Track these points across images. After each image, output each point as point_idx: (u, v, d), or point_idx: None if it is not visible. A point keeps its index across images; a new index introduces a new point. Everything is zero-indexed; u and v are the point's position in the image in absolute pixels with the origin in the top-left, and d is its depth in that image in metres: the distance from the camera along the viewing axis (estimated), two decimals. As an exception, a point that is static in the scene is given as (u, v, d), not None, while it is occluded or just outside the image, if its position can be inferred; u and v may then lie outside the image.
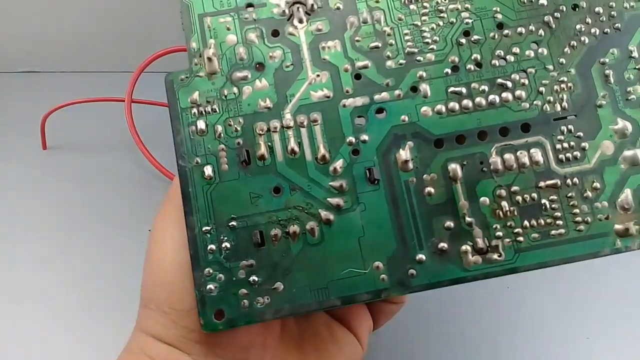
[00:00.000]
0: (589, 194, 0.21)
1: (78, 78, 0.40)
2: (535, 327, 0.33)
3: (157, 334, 0.21)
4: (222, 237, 0.21)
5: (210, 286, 0.21)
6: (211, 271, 0.21)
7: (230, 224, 0.21)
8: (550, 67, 0.22)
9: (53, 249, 0.36)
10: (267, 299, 0.21)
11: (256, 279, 0.21)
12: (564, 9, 0.23)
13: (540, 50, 0.22)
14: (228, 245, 0.21)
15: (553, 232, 0.21)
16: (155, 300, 0.21)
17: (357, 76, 0.22)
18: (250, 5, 0.23)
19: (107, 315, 0.33)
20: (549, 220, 0.21)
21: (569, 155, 0.21)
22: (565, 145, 0.22)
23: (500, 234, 0.21)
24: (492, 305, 0.34)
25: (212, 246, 0.21)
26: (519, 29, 0.22)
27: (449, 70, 0.22)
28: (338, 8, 0.23)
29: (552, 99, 0.22)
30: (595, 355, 0.33)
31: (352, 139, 0.22)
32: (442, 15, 0.23)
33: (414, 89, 0.22)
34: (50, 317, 0.34)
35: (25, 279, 0.35)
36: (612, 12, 0.22)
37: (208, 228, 0.21)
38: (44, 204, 0.37)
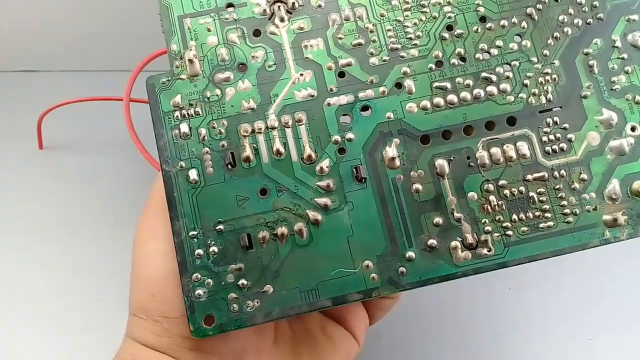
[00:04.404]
0: (577, 185, 0.20)
1: (75, 77, 0.39)
2: (537, 328, 0.32)
3: (149, 343, 0.20)
4: (209, 242, 0.20)
5: (199, 291, 0.19)
6: (199, 276, 0.19)
7: (217, 227, 0.20)
8: (534, 59, 0.21)
9: (49, 250, 0.34)
10: (257, 302, 0.19)
11: (245, 282, 0.19)
12: (547, 0, 0.21)
13: (523, 42, 0.21)
14: (215, 250, 0.20)
15: (542, 225, 0.20)
16: (146, 309, 0.20)
17: (341, 74, 0.21)
18: (230, 5, 0.21)
19: (105, 315, 0.32)
20: (537, 213, 0.20)
21: (555, 147, 0.20)
22: (552, 137, 0.20)
23: (489, 228, 0.20)
24: (493, 306, 0.33)
25: (200, 251, 0.19)
26: (502, 22, 0.21)
27: (433, 66, 0.21)
28: (319, 6, 0.21)
29: (537, 91, 0.21)
30: (597, 356, 0.32)
31: (337, 137, 0.20)
32: (424, 10, 0.21)
33: (399, 85, 0.21)
34: (47, 317, 0.33)
35: (21, 280, 0.34)
36: (595, 2, 0.21)
37: (195, 233, 0.20)
38: (40, 205, 0.35)
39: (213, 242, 0.20)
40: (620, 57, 0.21)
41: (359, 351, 0.25)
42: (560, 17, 0.21)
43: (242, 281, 0.19)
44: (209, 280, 0.19)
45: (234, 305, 0.19)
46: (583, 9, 0.21)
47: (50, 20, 0.36)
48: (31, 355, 0.32)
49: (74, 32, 0.36)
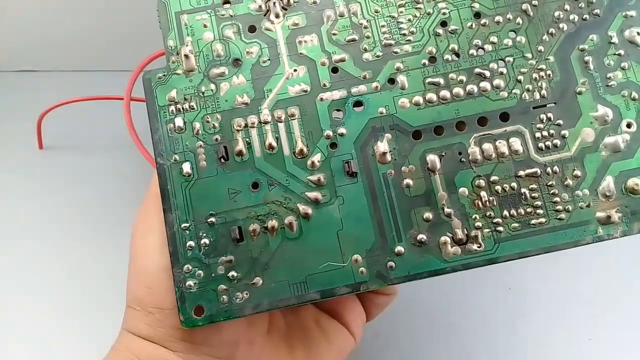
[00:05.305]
0: (570, 182, 0.20)
1: (75, 77, 0.39)
2: (537, 328, 0.32)
3: (143, 334, 0.20)
4: (200, 234, 0.20)
5: (190, 282, 0.19)
6: (190, 267, 0.20)
7: (209, 220, 0.20)
8: (529, 55, 0.21)
9: (49, 249, 0.35)
10: (246, 294, 0.19)
11: (235, 274, 0.19)
12: (542, -4, 0.21)
13: (518, 38, 0.21)
14: (207, 242, 0.20)
15: (533, 221, 0.20)
16: (139, 301, 0.20)
17: (334, 70, 0.21)
18: (227, 1, 0.21)
19: (105, 314, 0.32)
20: (529, 210, 0.20)
21: (548, 143, 0.20)
22: (545, 133, 0.20)
23: (479, 224, 0.20)
24: (493, 306, 0.32)
25: (191, 243, 0.20)
26: (497, 18, 0.21)
27: (427, 61, 0.21)
28: (314, 2, 0.21)
29: (531, 87, 0.20)
30: (597, 356, 0.31)
31: (329, 132, 0.20)
32: (418, 6, 0.21)
33: (392, 80, 0.21)
34: (46, 317, 0.33)
35: (21, 280, 0.34)
36: (591, -2, 0.21)
37: (187, 225, 0.20)
38: (40, 204, 0.36)
39: (204, 234, 0.20)
40: (617, 53, 0.21)
41: (355, 346, 0.25)
42: (556, 13, 0.21)
43: (232, 273, 0.20)
44: (200, 271, 0.20)
45: (224, 296, 0.19)
46: (579, 5, 0.21)
47: (50, 20, 0.36)
48: (30, 352, 0.32)
49: (74, 32, 0.37)
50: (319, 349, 0.23)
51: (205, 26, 0.21)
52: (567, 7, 0.21)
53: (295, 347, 0.23)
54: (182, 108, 0.21)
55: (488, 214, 0.20)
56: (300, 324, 0.23)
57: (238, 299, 0.19)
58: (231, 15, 0.21)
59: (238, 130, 0.21)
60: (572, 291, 0.32)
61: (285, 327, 0.23)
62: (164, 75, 0.21)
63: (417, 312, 0.32)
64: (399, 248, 0.20)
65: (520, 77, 0.21)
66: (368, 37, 0.21)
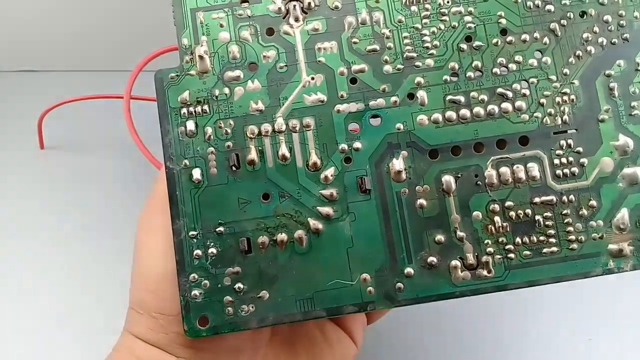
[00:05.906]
0: (585, 211, 0.19)
1: (75, 77, 0.38)
2: (537, 328, 0.32)
3: (146, 337, 0.20)
4: (208, 243, 0.19)
5: (195, 292, 0.19)
6: (196, 277, 0.19)
7: (217, 229, 0.19)
8: (554, 77, 0.20)
9: (51, 250, 0.34)
10: (252, 307, 0.19)
11: (241, 286, 0.19)
12: (572, 16, 0.20)
13: (544, 59, 0.20)
14: (214, 251, 0.19)
15: (545, 250, 0.19)
16: (144, 305, 0.20)
17: (353, 80, 0.20)
18: (245, 0, 0.20)
19: (105, 314, 0.32)
20: (541, 238, 0.19)
21: (566, 171, 0.20)
22: (564, 160, 0.20)
23: (491, 250, 0.19)
24: (493, 306, 0.32)
25: (198, 252, 0.19)
26: (523, 36, 0.20)
27: (448, 78, 0.20)
28: (336, 7, 0.20)
29: (553, 111, 0.20)
30: (597, 356, 0.31)
31: (344, 146, 0.20)
32: (444, 18, 0.20)
33: (411, 95, 0.20)
34: (46, 316, 0.33)
35: (22, 280, 0.33)
36: (622, 22, 0.20)
37: (194, 233, 0.19)
38: (42, 205, 0.35)
39: (212, 244, 0.19)
40: (643, 81, 0.20)
41: (357, 352, 0.25)
42: (585, 35, 0.20)
43: (239, 285, 0.19)
44: (206, 281, 0.19)
45: (229, 308, 0.19)
46: (609, 28, 0.20)
47: (50, 20, 0.35)
48: (31, 353, 0.32)
49: (74, 32, 0.36)
50: (322, 355, 0.23)
51: (221, 26, 0.20)
52: (596, 29, 0.20)
53: (298, 354, 0.23)
54: (195, 111, 0.20)
55: (500, 239, 0.19)
56: (303, 331, 0.23)
57: (243, 312, 0.19)
58: (249, 16, 0.21)
59: (251, 138, 0.20)
60: (572, 290, 0.32)
61: (289, 334, 0.23)
62: (177, 75, 0.20)
63: (416, 311, 0.32)
64: (409, 269, 0.19)
65: (543, 100, 0.20)
66: (390, 48, 0.20)
